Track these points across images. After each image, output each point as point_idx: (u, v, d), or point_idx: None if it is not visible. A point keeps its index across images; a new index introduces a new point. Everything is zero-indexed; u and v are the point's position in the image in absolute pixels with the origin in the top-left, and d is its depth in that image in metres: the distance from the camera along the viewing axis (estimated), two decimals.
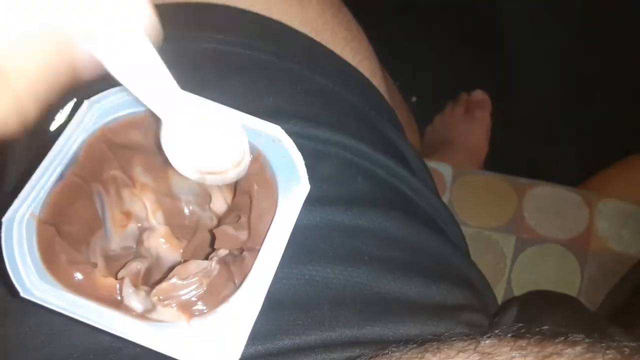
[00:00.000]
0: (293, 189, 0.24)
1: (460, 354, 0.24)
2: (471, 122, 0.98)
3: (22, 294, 0.21)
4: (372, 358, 0.26)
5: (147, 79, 0.20)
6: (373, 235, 0.35)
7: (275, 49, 0.38)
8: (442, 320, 0.34)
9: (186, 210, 0.29)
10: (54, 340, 0.29)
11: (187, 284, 0.22)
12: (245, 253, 0.23)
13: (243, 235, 0.24)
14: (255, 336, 0.29)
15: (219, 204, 0.28)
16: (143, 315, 0.22)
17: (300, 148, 0.37)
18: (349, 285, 0.32)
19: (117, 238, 0.27)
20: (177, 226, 0.28)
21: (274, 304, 0.30)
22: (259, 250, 0.22)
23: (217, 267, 0.22)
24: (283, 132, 0.25)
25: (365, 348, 0.30)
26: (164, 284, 0.22)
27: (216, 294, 0.22)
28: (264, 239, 0.23)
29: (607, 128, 0.99)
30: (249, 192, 0.25)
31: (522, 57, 1.07)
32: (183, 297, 0.22)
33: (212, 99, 0.25)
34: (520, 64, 1.07)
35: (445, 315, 0.34)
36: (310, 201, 0.35)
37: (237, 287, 0.22)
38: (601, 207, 0.57)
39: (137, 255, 0.26)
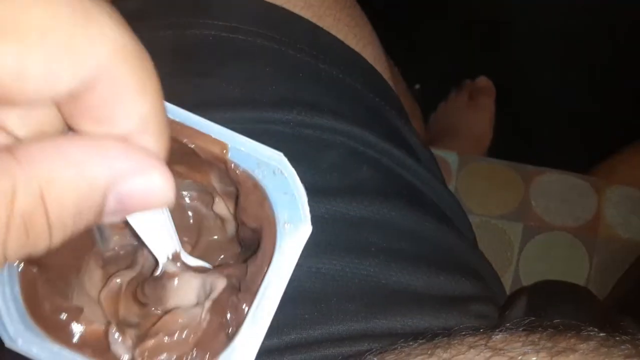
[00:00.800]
0: (294, 232, 0.21)
1: (472, 349, 0.24)
2: (475, 109, 0.97)
3: (7, 345, 0.20)
4: (381, 353, 0.26)
5: (157, 234, 0.22)
6: (379, 226, 0.34)
7: (278, 36, 0.38)
8: (450, 311, 0.33)
9: (188, 208, 0.27)
10: None
11: (173, 343, 0.21)
12: (240, 296, 0.22)
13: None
14: None
15: (223, 208, 0.26)
16: None
17: (305, 137, 0.36)
18: (355, 278, 0.32)
19: (116, 237, 0.26)
20: (180, 226, 0.27)
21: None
22: (252, 299, 0.21)
23: (208, 317, 0.21)
24: (285, 160, 0.22)
25: (373, 342, 0.30)
26: (149, 343, 0.20)
27: (205, 349, 0.21)
28: (258, 287, 0.21)
29: (613, 114, 0.98)
30: (248, 226, 0.23)
31: (527, 43, 1.05)
32: (170, 356, 0.21)
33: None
34: (525, 49, 1.05)
35: (453, 306, 0.34)
36: (315, 192, 0.34)
37: (229, 339, 0.21)
38: (609, 194, 0.57)
39: (135, 258, 0.25)
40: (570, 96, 1.01)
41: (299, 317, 0.30)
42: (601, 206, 0.56)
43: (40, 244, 0.15)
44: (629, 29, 1.00)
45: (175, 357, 0.21)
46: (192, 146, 0.22)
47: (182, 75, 0.35)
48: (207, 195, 0.27)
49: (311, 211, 0.33)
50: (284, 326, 0.29)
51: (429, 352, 0.24)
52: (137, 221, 0.21)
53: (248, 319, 0.20)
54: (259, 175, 0.22)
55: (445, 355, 0.24)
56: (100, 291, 0.24)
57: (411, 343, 0.26)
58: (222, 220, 0.27)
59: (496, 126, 0.95)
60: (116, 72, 0.15)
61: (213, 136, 0.22)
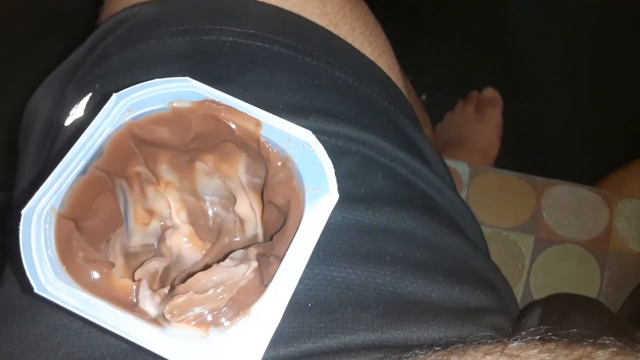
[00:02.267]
0: (321, 199, 0.23)
1: (487, 356, 0.24)
2: (482, 120, 0.97)
3: (36, 290, 0.20)
4: None
5: None
6: (394, 234, 0.34)
7: (294, 43, 0.38)
8: (466, 323, 0.33)
9: (210, 212, 0.28)
10: (70, 341, 0.28)
11: (205, 298, 0.21)
12: (270, 259, 0.22)
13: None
14: (278, 339, 0.28)
15: (244, 207, 0.27)
16: (157, 321, 0.21)
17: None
18: (370, 287, 0.32)
19: (138, 235, 0.26)
20: (200, 227, 0.27)
21: (295, 305, 0.29)
22: (280, 261, 0.21)
23: (251, 275, 0.21)
24: (314, 137, 0.24)
25: (388, 352, 0.29)
26: (179, 300, 0.20)
27: (237, 305, 0.21)
28: (286, 250, 0.22)
29: (621, 126, 0.98)
30: (275, 203, 0.24)
31: (533, 55, 1.05)
32: (199, 312, 0.21)
33: (231, 93, 0.25)
34: (531, 61, 1.06)
35: (469, 318, 0.33)
36: None
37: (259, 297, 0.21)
38: (620, 207, 0.56)
39: (158, 254, 0.26)
40: (577, 109, 1.01)
41: (314, 326, 0.29)
42: (612, 219, 0.56)
43: None
44: (637, 39, 1.00)
45: (206, 311, 0.20)
46: (231, 123, 0.23)
47: (200, 81, 0.35)
48: (227, 199, 0.27)
49: (327, 219, 0.33)
50: (300, 334, 0.29)
51: (444, 359, 0.24)
52: None
53: (275, 281, 0.21)
54: (289, 149, 0.23)
55: None
56: (135, 270, 0.24)
57: (425, 350, 0.26)
58: (242, 221, 0.27)
59: (503, 137, 0.95)
60: None
61: (248, 114, 0.23)
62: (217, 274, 0.22)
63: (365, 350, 0.29)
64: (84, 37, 0.40)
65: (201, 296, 0.21)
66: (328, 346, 0.29)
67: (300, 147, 0.24)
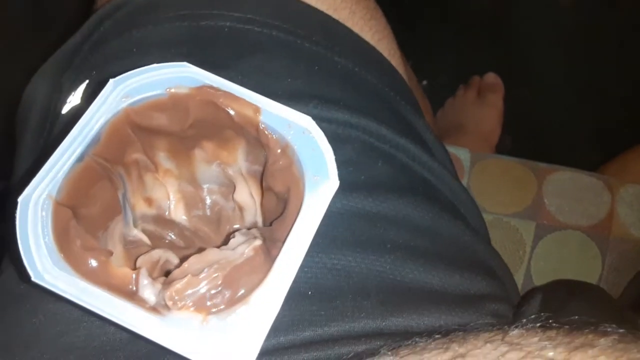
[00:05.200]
0: (321, 186, 0.22)
1: (488, 344, 0.23)
2: (483, 105, 0.97)
3: (33, 279, 0.20)
4: (395, 348, 0.25)
5: None
6: (395, 222, 0.34)
7: (292, 28, 0.37)
8: (466, 310, 0.33)
9: (208, 200, 0.27)
10: (70, 330, 0.28)
11: (201, 278, 0.21)
12: (269, 245, 0.22)
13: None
14: (278, 327, 0.28)
15: (244, 195, 0.26)
16: (156, 309, 0.20)
17: None
18: (371, 274, 0.31)
19: (137, 228, 0.25)
20: (199, 216, 0.27)
21: (295, 293, 0.29)
22: (280, 249, 0.21)
23: (251, 253, 0.21)
24: (314, 123, 0.23)
25: (389, 339, 0.29)
26: (177, 285, 0.20)
27: (235, 284, 0.21)
28: (286, 238, 0.21)
29: (623, 111, 0.98)
30: (274, 190, 0.23)
31: (535, 40, 1.04)
32: (197, 294, 0.21)
33: (229, 79, 0.24)
34: (533, 46, 1.05)
35: (469, 305, 0.33)
36: None
37: (259, 281, 0.21)
38: (622, 193, 0.56)
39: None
40: (579, 94, 1.00)
41: (315, 314, 0.29)
42: (614, 205, 0.56)
43: None
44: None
45: (204, 291, 0.20)
46: (229, 110, 0.23)
47: (198, 67, 0.34)
48: (227, 187, 0.27)
49: (327, 207, 0.33)
50: (300, 322, 0.29)
51: (444, 347, 0.24)
52: None
53: (275, 269, 0.21)
54: (289, 135, 0.23)
55: (461, 350, 0.23)
56: (136, 258, 0.24)
57: (426, 338, 0.26)
58: (242, 209, 0.27)
59: (504, 122, 0.95)
60: None
61: (247, 100, 0.23)
62: (211, 255, 0.21)
63: (366, 338, 0.29)
64: (80, 24, 0.40)
65: (198, 277, 0.21)
66: (328, 334, 0.29)
67: (300, 133, 0.23)
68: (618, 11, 1.02)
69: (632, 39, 1.00)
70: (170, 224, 0.27)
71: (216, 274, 0.20)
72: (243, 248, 0.21)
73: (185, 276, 0.21)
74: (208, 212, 0.28)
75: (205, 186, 0.28)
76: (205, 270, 0.21)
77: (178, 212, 0.28)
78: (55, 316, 0.28)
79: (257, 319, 0.20)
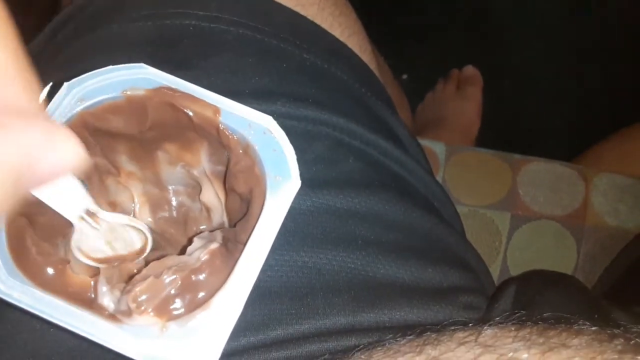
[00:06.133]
0: (283, 186, 0.22)
1: (461, 346, 0.23)
2: (462, 98, 0.97)
3: None
4: (369, 350, 0.25)
5: (65, 198, 0.21)
6: (366, 218, 0.34)
7: (260, 25, 0.37)
8: (439, 303, 0.33)
9: (174, 201, 0.27)
10: (37, 337, 0.28)
11: (161, 281, 0.21)
12: (230, 246, 0.22)
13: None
14: (248, 327, 0.28)
15: (210, 195, 0.26)
16: (115, 317, 0.20)
17: (289, 129, 0.35)
18: (342, 271, 0.31)
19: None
20: (165, 218, 0.27)
21: (266, 292, 0.29)
22: (241, 252, 0.21)
23: (206, 257, 0.21)
24: (275, 123, 0.23)
25: (360, 335, 0.29)
26: (137, 289, 0.20)
27: (194, 292, 0.21)
28: (247, 240, 0.21)
29: (599, 102, 0.99)
30: (237, 191, 0.23)
31: (512, 33, 1.05)
32: (159, 299, 0.20)
33: (196, 80, 0.24)
34: (510, 39, 1.05)
35: (442, 298, 0.33)
36: (301, 184, 0.33)
37: (219, 285, 0.21)
38: (597, 182, 0.57)
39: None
40: (556, 86, 1.01)
41: (285, 312, 0.29)
42: (588, 194, 0.56)
43: None
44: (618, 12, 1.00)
45: (164, 294, 0.20)
46: (188, 111, 0.23)
47: (163, 68, 0.34)
48: (193, 188, 0.27)
49: (297, 204, 0.33)
50: (270, 321, 0.29)
51: (417, 350, 0.24)
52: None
53: (236, 272, 0.21)
54: (249, 135, 0.23)
55: (434, 353, 0.23)
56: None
57: (399, 339, 0.26)
58: (209, 210, 0.27)
59: (483, 114, 0.95)
60: None
61: (206, 100, 0.23)
62: (170, 260, 0.21)
63: (337, 334, 0.29)
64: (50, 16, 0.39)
65: (157, 279, 0.20)
66: (299, 332, 0.29)
67: (262, 133, 0.23)
68: (596, 4, 1.03)
69: (612, 32, 1.01)
70: None
71: (174, 276, 0.20)
72: (198, 253, 0.21)
73: (146, 279, 0.21)
74: (174, 213, 0.28)
75: (170, 188, 0.28)
76: (165, 273, 0.20)
77: (143, 215, 0.28)
78: (22, 323, 0.28)
79: (217, 323, 0.20)
